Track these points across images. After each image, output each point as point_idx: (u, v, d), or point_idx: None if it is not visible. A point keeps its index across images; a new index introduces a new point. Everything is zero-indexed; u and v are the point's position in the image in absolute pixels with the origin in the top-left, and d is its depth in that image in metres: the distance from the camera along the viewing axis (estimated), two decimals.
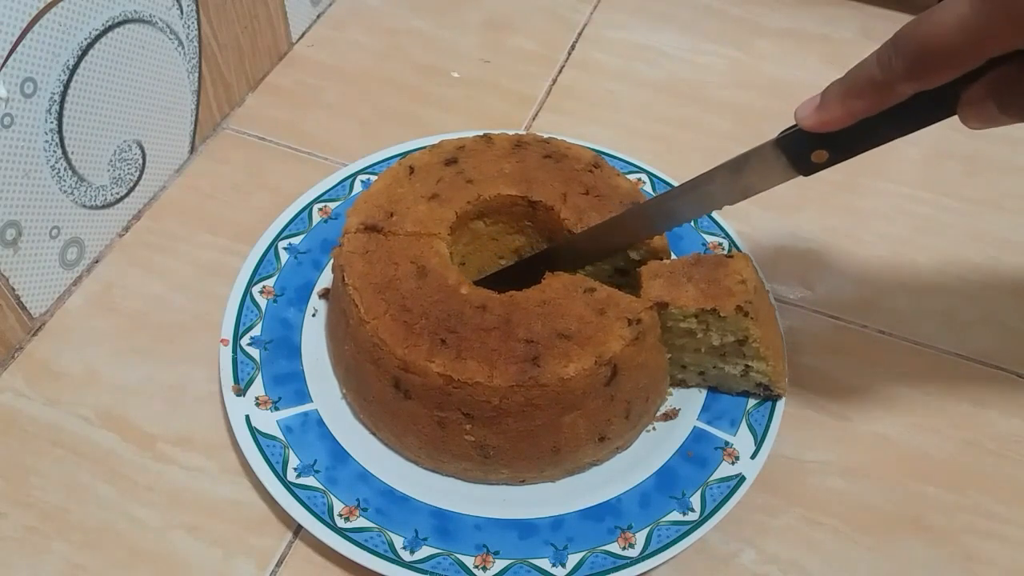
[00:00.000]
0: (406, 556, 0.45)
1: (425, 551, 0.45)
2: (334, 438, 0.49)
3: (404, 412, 0.47)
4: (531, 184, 0.51)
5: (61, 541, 0.47)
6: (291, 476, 0.47)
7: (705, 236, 0.57)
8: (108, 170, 0.57)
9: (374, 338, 0.46)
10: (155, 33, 0.57)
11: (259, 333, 0.52)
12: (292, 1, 0.69)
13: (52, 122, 0.51)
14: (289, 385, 0.51)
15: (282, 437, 0.48)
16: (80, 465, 0.49)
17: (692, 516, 0.46)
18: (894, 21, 0.75)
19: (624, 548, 0.45)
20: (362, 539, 0.45)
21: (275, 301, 0.54)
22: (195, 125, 0.63)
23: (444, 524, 0.46)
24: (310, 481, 0.47)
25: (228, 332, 0.52)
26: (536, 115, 0.68)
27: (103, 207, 0.57)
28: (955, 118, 0.36)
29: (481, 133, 0.54)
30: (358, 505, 0.47)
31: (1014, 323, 0.57)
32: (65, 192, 0.54)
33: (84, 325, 0.55)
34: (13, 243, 0.51)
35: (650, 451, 0.49)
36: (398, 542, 0.45)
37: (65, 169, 0.53)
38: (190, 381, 0.53)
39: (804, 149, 0.40)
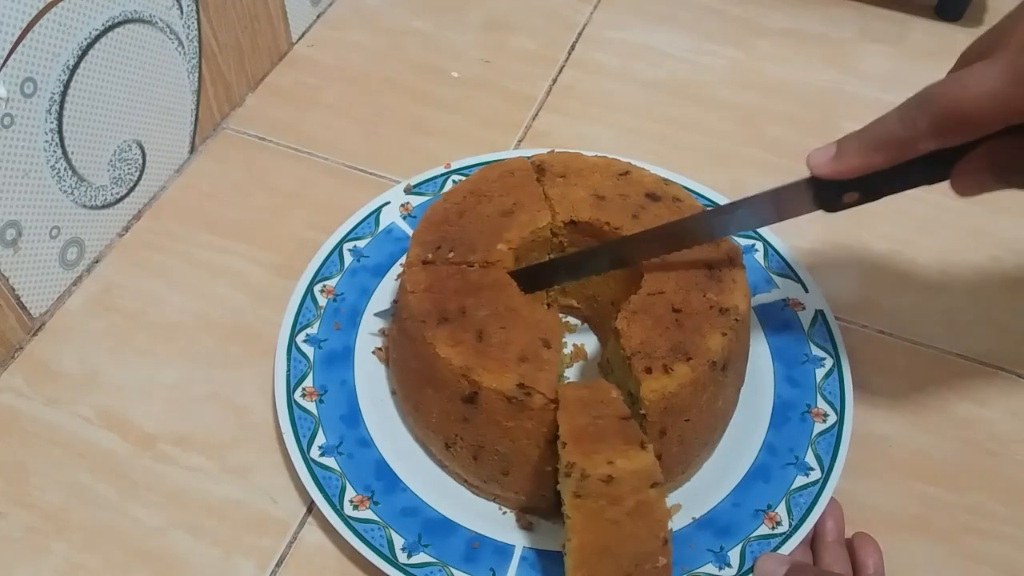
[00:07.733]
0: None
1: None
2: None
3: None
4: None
5: (61, 541, 0.47)
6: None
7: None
8: (108, 170, 0.57)
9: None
10: (155, 33, 0.57)
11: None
12: (292, 1, 0.69)
13: (52, 122, 0.51)
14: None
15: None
16: (80, 465, 0.49)
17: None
18: (894, 21, 0.75)
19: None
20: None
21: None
22: (195, 125, 0.63)
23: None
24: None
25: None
26: (536, 115, 0.68)
27: (103, 207, 0.57)
28: None
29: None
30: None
31: (1014, 323, 0.57)
32: (65, 192, 0.54)
33: (84, 325, 0.55)
34: (13, 243, 0.51)
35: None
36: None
37: (65, 169, 0.53)
38: (190, 381, 0.53)
39: (837, 191, 0.41)
